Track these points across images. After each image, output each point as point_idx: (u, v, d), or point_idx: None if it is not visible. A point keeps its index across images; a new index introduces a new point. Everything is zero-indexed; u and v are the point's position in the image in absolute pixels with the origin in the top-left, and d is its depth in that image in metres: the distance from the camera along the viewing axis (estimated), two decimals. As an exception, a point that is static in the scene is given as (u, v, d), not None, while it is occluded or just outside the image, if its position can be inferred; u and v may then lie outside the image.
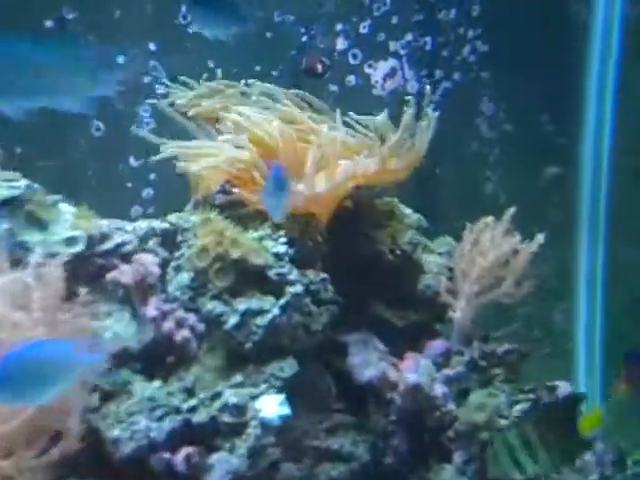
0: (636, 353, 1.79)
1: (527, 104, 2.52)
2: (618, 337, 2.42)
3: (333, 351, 1.67)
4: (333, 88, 2.23)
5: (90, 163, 2.28)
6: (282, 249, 1.55)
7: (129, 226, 1.62)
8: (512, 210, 1.68)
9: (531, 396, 1.71)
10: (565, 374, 2.22)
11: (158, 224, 1.58)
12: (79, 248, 1.46)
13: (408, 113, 1.66)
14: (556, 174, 2.45)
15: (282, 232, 1.56)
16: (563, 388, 1.91)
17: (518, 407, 1.68)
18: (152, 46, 2.15)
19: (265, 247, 1.53)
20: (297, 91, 1.74)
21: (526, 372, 1.83)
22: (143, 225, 1.62)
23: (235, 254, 1.49)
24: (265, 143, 1.60)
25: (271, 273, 1.53)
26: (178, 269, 1.52)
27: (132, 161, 2.12)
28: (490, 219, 1.68)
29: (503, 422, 1.62)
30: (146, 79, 1.98)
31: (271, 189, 1.36)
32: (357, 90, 2.33)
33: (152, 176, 2.23)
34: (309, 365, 1.61)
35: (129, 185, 2.24)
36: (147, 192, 2.24)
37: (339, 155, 1.62)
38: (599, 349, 2.44)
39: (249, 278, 1.52)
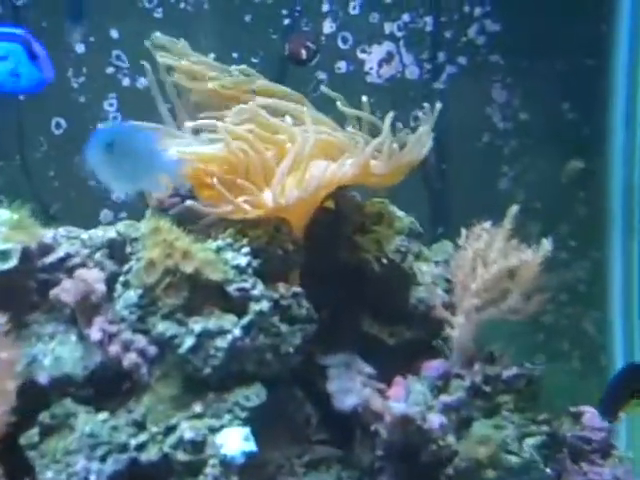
0: None
1: (546, 91, 2.27)
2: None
3: (313, 375, 1.48)
4: (322, 76, 2.03)
5: (51, 163, 2.12)
6: (244, 261, 1.36)
7: (85, 235, 1.46)
8: (515, 209, 1.44)
9: (545, 428, 1.48)
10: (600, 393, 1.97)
11: (107, 233, 1.41)
12: (12, 263, 1.30)
13: (389, 117, 1.46)
14: (581, 168, 2.20)
15: (245, 241, 1.38)
16: (590, 414, 1.69)
17: (530, 441, 1.46)
18: (115, 34, 1.98)
19: (224, 259, 1.35)
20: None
21: (550, 394, 1.61)
22: (100, 234, 1.45)
23: (187, 268, 1.30)
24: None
25: (231, 289, 1.34)
26: (126, 285, 1.34)
27: None
28: (488, 224, 1.46)
29: (511, 459, 1.41)
30: (109, 69, 1.81)
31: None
32: (349, 78, 2.12)
33: None
34: (282, 392, 1.43)
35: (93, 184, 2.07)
36: (117, 195, 2.06)
37: (317, 156, 1.43)
38: None
39: (206, 295, 1.33)
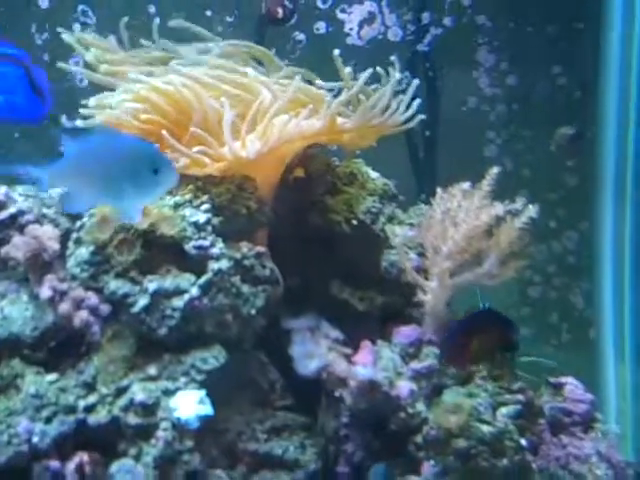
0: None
1: (535, 54, 2.19)
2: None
3: (279, 340, 1.42)
4: (300, 37, 1.96)
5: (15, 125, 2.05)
6: (203, 218, 1.30)
7: (44, 194, 1.40)
8: (494, 171, 1.37)
9: (520, 397, 1.41)
10: (587, 366, 1.90)
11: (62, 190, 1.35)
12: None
13: (367, 71, 1.40)
14: (571, 135, 2.12)
15: (205, 198, 1.32)
16: (572, 386, 1.62)
17: (504, 410, 1.39)
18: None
19: (181, 215, 1.29)
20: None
21: (537, 366, 1.55)
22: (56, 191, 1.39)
23: (141, 224, 1.25)
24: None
25: (188, 246, 1.28)
26: (78, 242, 1.28)
27: (65, 121, 1.88)
28: (467, 184, 1.39)
29: (484, 428, 1.34)
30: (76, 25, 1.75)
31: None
32: (328, 39, 2.04)
33: None
34: (245, 356, 1.37)
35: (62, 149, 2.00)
36: None
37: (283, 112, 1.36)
38: (630, 337, 2.10)
39: (162, 253, 1.28)
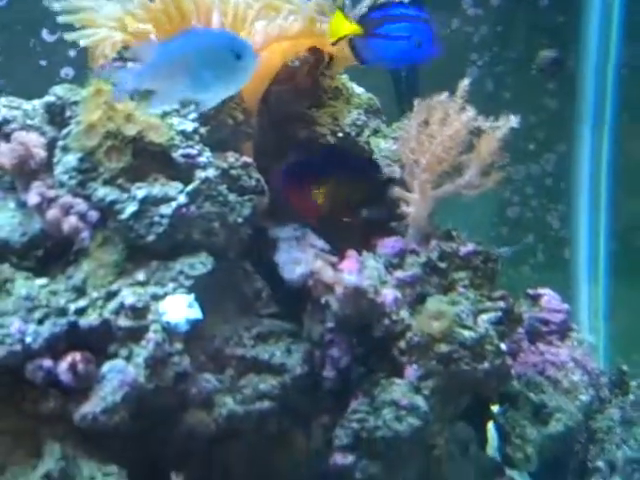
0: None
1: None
2: (627, 245, 2.13)
3: (265, 250, 1.44)
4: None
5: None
6: (190, 126, 1.30)
7: (27, 105, 1.39)
8: (466, 82, 1.39)
9: (500, 304, 1.46)
10: (562, 286, 1.95)
11: (46, 97, 1.34)
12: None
13: None
14: (554, 58, 2.13)
15: (192, 107, 1.32)
16: (549, 297, 1.68)
17: (485, 317, 1.44)
18: None
19: (169, 124, 1.29)
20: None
21: (514, 284, 1.58)
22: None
23: (129, 131, 1.25)
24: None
25: (176, 154, 1.29)
26: (65, 149, 1.28)
27: (46, 35, 1.84)
28: (444, 95, 1.41)
29: (466, 333, 1.38)
30: None
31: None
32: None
33: (71, 53, 1.95)
34: (232, 264, 1.39)
35: (43, 64, 1.97)
36: (66, 72, 1.97)
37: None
38: (603, 258, 2.15)
39: (150, 161, 1.28)
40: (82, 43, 1.34)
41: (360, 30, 1.35)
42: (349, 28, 1.34)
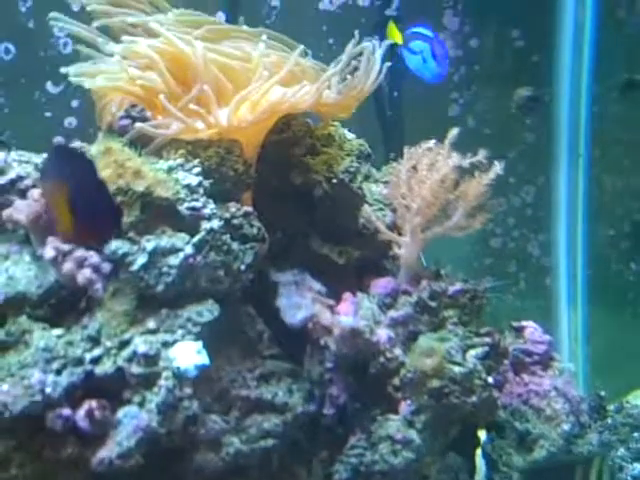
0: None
1: (496, 18, 2.29)
2: (603, 271, 2.24)
3: (265, 294, 1.52)
4: (274, 3, 2.02)
5: (1, 89, 2.08)
6: (195, 180, 1.38)
7: (36, 158, 1.46)
8: (455, 131, 1.48)
9: (487, 340, 1.55)
10: (543, 313, 2.05)
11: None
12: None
13: (351, 43, 1.48)
14: (529, 96, 2.24)
15: (196, 162, 1.40)
16: (532, 329, 1.76)
17: (473, 352, 1.52)
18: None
19: (175, 179, 1.37)
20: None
21: (497, 312, 1.67)
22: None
23: (138, 187, 1.32)
24: (180, 64, 1.42)
25: (182, 207, 1.36)
26: (77, 205, 1.35)
27: (50, 87, 1.90)
28: (432, 142, 1.49)
29: (456, 369, 1.47)
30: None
31: None
32: (301, 3, 2.11)
33: (74, 103, 2.02)
34: (235, 309, 1.47)
35: (48, 115, 2.04)
36: (69, 122, 2.04)
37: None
38: (581, 284, 2.26)
39: (158, 214, 1.35)
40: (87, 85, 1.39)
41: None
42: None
